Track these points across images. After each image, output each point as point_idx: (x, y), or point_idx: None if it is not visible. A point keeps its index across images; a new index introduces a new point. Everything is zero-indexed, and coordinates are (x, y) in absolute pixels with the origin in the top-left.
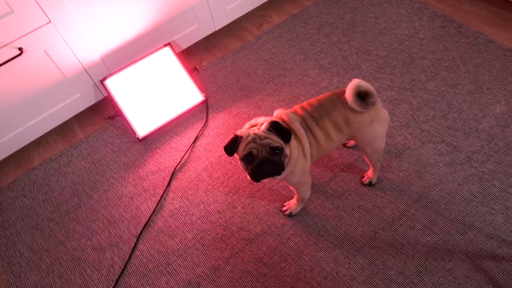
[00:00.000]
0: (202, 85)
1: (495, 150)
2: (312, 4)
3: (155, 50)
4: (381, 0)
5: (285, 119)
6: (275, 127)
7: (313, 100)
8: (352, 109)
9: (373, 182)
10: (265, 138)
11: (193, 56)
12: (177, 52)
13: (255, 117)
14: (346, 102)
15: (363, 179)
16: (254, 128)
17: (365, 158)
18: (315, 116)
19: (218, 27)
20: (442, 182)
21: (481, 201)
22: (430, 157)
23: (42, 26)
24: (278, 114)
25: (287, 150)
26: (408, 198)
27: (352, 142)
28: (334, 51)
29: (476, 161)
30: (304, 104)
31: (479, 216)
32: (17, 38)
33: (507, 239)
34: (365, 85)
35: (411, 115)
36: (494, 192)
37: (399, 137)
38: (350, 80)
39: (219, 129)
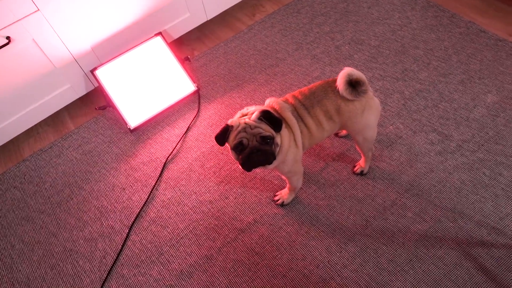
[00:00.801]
0: (194, 75)
1: (486, 139)
2: None
3: (146, 40)
4: None
5: (276, 108)
6: (266, 116)
7: (304, 89)
8: (343, 98)
9: (365, 171)
10: (256, 127)
11: (184, 45)
12: (168, 41)
13: (247, 106)
14: (338, 91)
15: (355, 169)
16: (245, 117)
17: (357, 148)
18: (307, 105)
19: (210, 17)
20: (433, 171)
21: (471, 189)
22: (422, 146)
23: (30, 14)
24: (270, 103)
25: (278, 139)
26: (399, 187)
27: (344, 132)
28: (326, 41)
29: (467, 150)
30: (296, 93)
31: (469, 204)
32: (5, 27)
33: (497, 226)
34: (357, 73)
35: (403, 104)
36: (484, 181)
37: (391, 127)
38: (342, 69)
39: (211, 119)
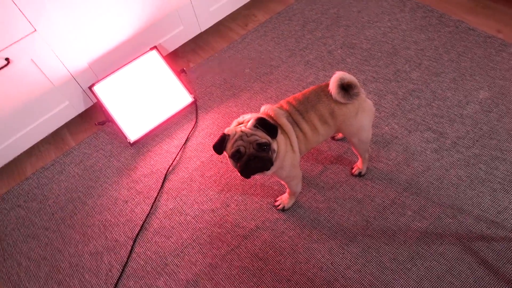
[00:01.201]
0: (190, 86)
1: (480, 135)
2: (295, 2)
3: (142, 54)
4: None
5: (272, 115)
6: (261, 123)
7: (298, 95)
8: (336, 101)
9: (363, 172)
10: (252, 134)
11: (180, 58)
12: (164, 55)
13: (243, 114)
14: (331, 95)
15: (353, 170)
16: (241, 125)
17: (353, 149)
18: (301, 110)
19: (203, 29)
20: (430, 169)
21: (468, 185)
22: (418, 145)
23: (27, 35)
24: (265, 110)
25: (274, 145)
26: (397, 186)
27: (340, 135)
28: (319, 47)
29: (462, 146)
30: (290, 98)
31: (467, 199)
32: (3, 48)
33: (495, 220)
34: (348, 77)
35: (397, 105)
36: (481, 175)
37: (386, 127)
38: (334, 74)
39: (209, 129)
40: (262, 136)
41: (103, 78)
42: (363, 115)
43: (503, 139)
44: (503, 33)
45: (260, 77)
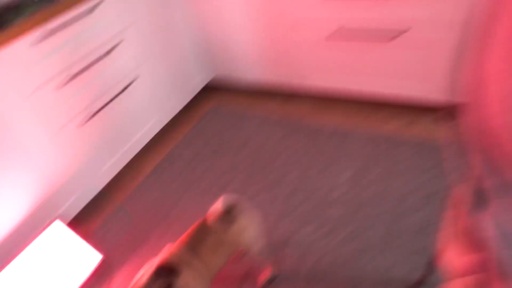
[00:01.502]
0: (99, 246)
1: (354, 209)
2: (175, 146)
3: (44, 228)
4: (234, 123)
5: (168, 258)
6: (158, 273)
7: (189, 231)
8: (222, 226)
9: (272, 278)
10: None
11: (85, 220)
12: (67, 221)
13: (156, 258)
14: (215, 222)
15: (261, 280)
16: (141, 279)
17: (255, 261)
18: (194, 244)
19: (99, 188)
20: (327, 253)
21: (362, 254)
22: (309, 236)
23: None
24: (164, 252)
25: (177, 286)
26: (305, 278)
27: (239, 252)
28: (209, 176)
29: (343, 224)
30: (183, 236)
31: (364, 266)
32: None
33: (396, 275)
34: (226, 202)
35: (282, 208)
36: (368, 242)
37: (279, 230)
38: (217, 201)
39: (126, 283)
40: (162, 286)
41: (2, 268)
42: (250, 230)
43: (373, 204)
44: (346, 124)
45: (163, 218)
